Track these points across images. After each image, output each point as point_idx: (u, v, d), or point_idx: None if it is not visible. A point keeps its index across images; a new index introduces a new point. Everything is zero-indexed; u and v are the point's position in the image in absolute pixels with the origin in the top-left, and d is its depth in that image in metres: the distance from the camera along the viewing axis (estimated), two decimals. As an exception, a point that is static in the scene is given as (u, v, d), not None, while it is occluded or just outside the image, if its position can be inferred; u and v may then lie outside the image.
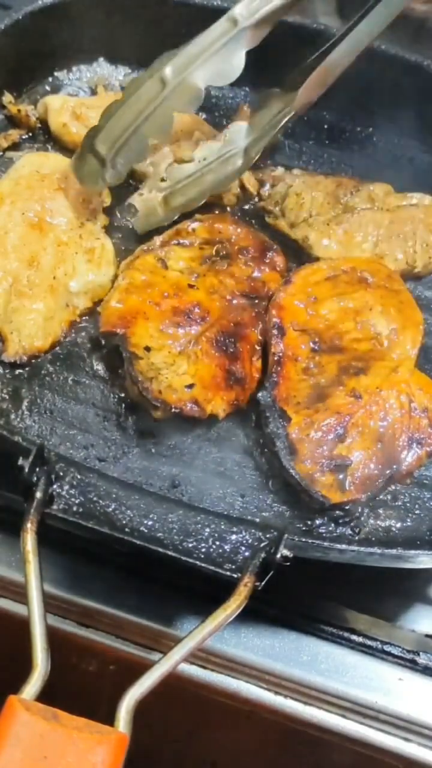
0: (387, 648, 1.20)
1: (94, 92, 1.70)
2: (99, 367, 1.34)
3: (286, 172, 1.60)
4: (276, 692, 1.18)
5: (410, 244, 1.51)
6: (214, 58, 1.49)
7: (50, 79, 1.70)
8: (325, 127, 1.73)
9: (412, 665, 1.19)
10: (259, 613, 1.17)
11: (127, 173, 1.50)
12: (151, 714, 0.92)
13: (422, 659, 1.19)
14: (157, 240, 1.44)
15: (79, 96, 1.69)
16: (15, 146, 1.60)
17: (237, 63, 1.51)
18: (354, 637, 1.20)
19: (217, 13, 1.53)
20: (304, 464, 1.22)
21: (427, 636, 1.23)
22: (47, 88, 1.70)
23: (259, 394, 1.29)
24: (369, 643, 1.20)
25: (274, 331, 1.34)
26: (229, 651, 1.17)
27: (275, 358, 1.32)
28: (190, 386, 1.26)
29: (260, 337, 1.36)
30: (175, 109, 1.48)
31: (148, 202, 1.51)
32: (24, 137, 1.62)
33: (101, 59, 1.73)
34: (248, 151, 1.54)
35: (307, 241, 1.51)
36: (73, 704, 0.90)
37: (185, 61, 1.47)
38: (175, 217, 1.50)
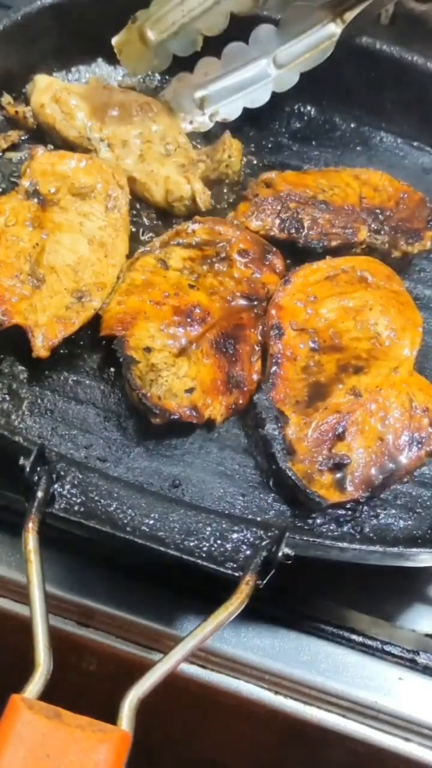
0: (387, 648, 1.20)
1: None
2: (99, 368, 1.33)
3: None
4: (276, 692, 1.18)
5: None
6: None
7: (49, 79, 1.71)
8: (326, 127, 1.74)
9: (412, 665, 1.19)
10: (259, 613, 1.17)
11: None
12: (151, 713, 0.92)
13: (422, 659, 1.20)
14: (157, 241, 1.44)
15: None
16: (14, 147, 1.60)
17: None
18: (354, 637, 1.20)
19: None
20: (303, 464, 1.23)
21: (427, 636, 1.24)
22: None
23: (256, 396, 1.29)
24: (369, 642, 1.20)
25: (273, 332, 1.34)
26: (229, 651, 1.17)
27: (273, 360, 1.32)
28: (190, 390, 1.26)
29: (260, 338, 1.36)
30: (232, 9, 1.53)
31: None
32: (23, 138, 1.61)
33: (100, 60, 1.73)
34: (278, 59, 1.61)
35: None
36: (74, 704, 0.90)
37: None
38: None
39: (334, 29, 1.60)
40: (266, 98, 1.65)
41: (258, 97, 1.65)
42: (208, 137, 1.66)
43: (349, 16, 1.57)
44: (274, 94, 1.66)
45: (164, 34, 1.55)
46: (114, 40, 1.58)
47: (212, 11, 1.52)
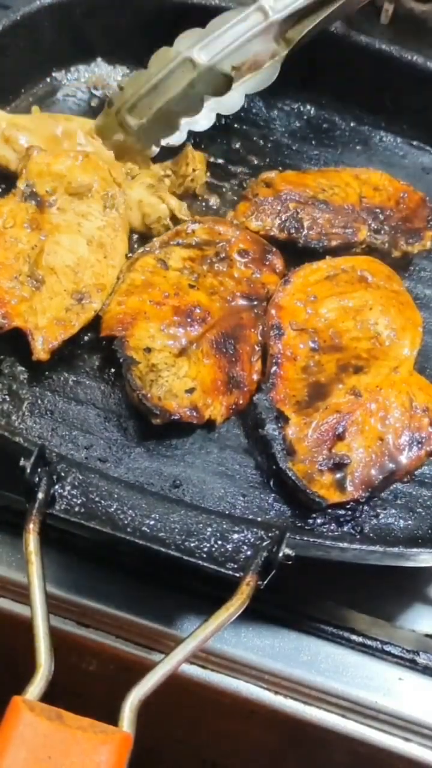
0: (387, 648, 1.20)
1: (92, 93, 1.70)
2: (100, 368, 1.33)
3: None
4: (276, 692, 1.18)
5: None
6: (245, 47, 1.53)
7: (48, 79, 1.70)
8: (326, 127, 1.74)
9: (412, 665, 1.19)
10: (259, 613, 1.17)
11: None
12: (151, 714, 0.92)
13: (422, 659, 1.19)
14: (157, 241, 1.44)
15: (77, 96, 1.69)
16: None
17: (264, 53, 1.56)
18: (354, 637, 1.20)
19: (216, 12, 1.54)
20: (303, 464, 1.23)
21: (427, 636, 1.24)
22: (46, 88, 1.69)
23: (256, 397, 1.29)
24: (369, 643, 1.20)
25: (273, 332, 1.34)
26: (229, 651, 1.17)
27: (273, 360, 1.32)
28: (190, 391, 1.26)
29: (260, 338, 1.36)
30: (207, 93, 1.52)
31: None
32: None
33: (99, 59, 1.73)
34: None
35: None
36: (74, 704, 0.90)
37: (217, 48, 1.50)
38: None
39: (275, 48, 1.57)
40: (211, 121, 1.63)
41: (201, 121, 1.62)
42: (174, 150, 1.62)
43: (294, 35, 1.55)
44: (251, 100, 1.66)
45: (144, 119, 1.52)
46: (94, 124, 1.56)
47: (187, 96, 1.51)
